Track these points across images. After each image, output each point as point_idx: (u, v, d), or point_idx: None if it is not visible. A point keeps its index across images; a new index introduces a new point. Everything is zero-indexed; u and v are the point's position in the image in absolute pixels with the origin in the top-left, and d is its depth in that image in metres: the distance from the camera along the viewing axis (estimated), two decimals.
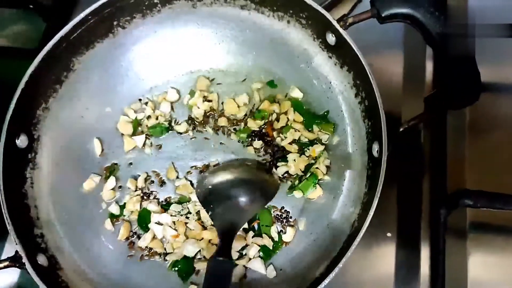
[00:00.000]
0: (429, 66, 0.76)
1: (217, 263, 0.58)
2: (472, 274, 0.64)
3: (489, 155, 0.69)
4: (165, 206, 0.70)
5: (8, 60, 0.84)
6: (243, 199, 0.65)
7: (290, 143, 0.71)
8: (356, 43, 0.61)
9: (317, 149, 0.69)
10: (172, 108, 0.74)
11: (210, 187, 0.66)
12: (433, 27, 0.60)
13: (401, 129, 0.60)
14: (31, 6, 0.84)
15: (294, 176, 0.69)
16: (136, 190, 0.70)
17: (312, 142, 0.71)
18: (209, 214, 0.65)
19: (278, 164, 0.70)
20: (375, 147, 0.61)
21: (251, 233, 0.67)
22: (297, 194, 0.68)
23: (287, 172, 0.70)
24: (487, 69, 0.69)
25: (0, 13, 0.87)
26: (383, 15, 0.61)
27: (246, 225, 0.67)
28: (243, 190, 0.66)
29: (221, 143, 0.72)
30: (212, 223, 0.65)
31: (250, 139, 0.72)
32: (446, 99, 0.59)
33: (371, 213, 0.55)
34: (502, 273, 0.64)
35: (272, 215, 0.68)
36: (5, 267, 0.57)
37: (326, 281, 0.55)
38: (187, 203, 0.69)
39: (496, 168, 0.69)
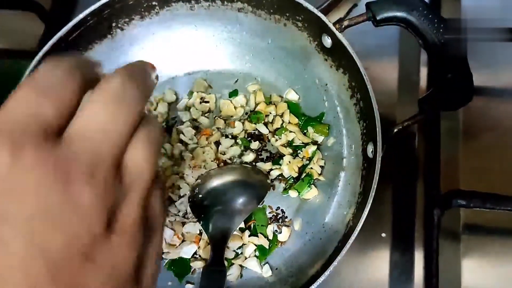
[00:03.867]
0: (424, 70, 0.77)
1: (210, 272, 0.60)
2: (466, 276, 0.65)
3: (482, 157, 0.70)
4: None
5: (7, 62, 0.84)
6: (235, 201, 0.66)
7: (284, 146, 0.71)
8: (352, 48, 0.62)
9: (310, 149, 0.70)
10: (169, 109, 0.75)
11: (201, 196, 0.66)
12: (427, 30, 0.61)
13: (395, 130, 0.60)
14: (30, 8, 0.84)
15: (288, 178, 0.70)
16: None
17: (306, 145, 0.71)
18: (201, 224, 0.65)
19: (272, 167, 0.70)
20: (370, 148, 0.62)
21: (247, 233, 0.67)
22: (293, 194, 0.69)
23: (280, 174, 0.70)
24: (481, 73, 0.70)
25: None
26: (378, 18, 0.62)
27: (242, 225, 0.67)
28: (235, 192, 0.66)
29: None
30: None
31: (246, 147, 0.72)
32: (440, 100, 0.60)
33: (366, 212, 0.56)
34: (495, 275, 0.65)
35: (268, 215, 0.69)
36: None
37: (321, 279, 0.55)
38: None
39: (489, 170, 0.70)
